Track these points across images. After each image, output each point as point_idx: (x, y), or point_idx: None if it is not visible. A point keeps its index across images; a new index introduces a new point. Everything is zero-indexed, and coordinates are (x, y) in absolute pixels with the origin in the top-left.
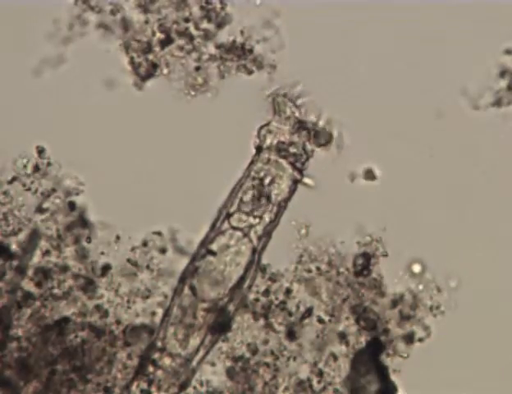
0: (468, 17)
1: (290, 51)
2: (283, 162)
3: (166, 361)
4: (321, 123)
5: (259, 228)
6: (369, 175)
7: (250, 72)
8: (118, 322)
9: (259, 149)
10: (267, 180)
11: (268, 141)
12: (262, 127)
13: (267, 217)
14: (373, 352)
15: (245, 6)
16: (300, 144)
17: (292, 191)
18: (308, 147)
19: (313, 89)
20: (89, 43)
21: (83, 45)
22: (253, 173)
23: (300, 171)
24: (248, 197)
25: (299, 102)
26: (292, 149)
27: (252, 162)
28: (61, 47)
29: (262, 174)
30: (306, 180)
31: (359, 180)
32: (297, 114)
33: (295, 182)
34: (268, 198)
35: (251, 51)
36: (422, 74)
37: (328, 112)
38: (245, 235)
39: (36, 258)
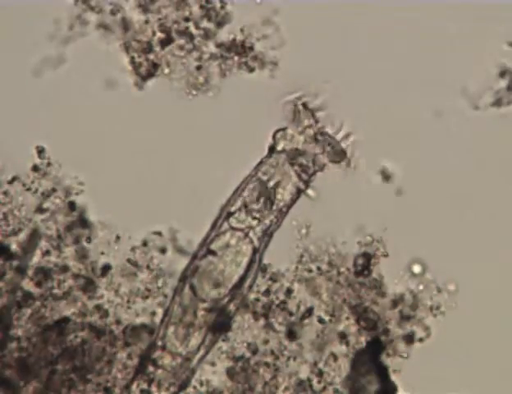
0: (468, 17)
1: (290, 48)
2: (290, 169)
3: (166, 361)
4: (337, 139)
5: (258, 230)
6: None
7: (252, 70)
8: (118, 322)
9: (272, 150)
10: (271, 184)
11: (281, 146)
12: (277, 131)
13: (267, 221)
14: (373, 352)
15: (245, 5)
16: (311, 156)
17: (295, 199)
18: (320, 160)
19: (312, 88)
20: (89, 43)
21: (83, 45)
22: (259, 174)
23: (306, 182)
24: (253, 197)
25: (318, 113)
26: (302, 159)
27: (261, 162)
28: (61, 47)
29: (267, 177)
30: (309, 191)
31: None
32: (315, 127)
33: (299, 192)
34: (271, 201)
35: (251, 48)
36: (423, 74)
37: (346, 128)
38: (246, 235)
39: (36, 258)
